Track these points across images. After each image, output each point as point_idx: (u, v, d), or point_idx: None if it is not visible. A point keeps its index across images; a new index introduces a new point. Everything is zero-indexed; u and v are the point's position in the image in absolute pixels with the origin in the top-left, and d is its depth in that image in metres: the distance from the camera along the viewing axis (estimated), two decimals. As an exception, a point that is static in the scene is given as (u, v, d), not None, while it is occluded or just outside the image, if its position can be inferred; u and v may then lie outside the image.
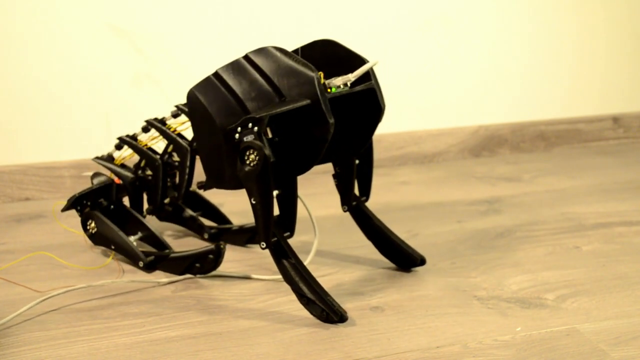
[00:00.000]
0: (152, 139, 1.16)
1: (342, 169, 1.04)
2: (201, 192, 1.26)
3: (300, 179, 0.95)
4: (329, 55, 0.96)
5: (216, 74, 0.92)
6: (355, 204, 1.06)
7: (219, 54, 1.46)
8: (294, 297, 0.93)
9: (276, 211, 0.92)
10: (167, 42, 1.59)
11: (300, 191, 0.95)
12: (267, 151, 0.86)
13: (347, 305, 0.95)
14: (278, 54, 0.90)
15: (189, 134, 1.06)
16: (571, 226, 1.26)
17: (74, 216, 1.21)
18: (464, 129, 1.83)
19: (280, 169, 0.90)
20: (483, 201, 1.44)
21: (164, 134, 1.13)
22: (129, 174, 1.16)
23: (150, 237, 1.14)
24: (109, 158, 1.19)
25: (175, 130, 1.13)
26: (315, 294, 0.91)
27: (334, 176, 1.05)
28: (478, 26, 1.80)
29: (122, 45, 1.56)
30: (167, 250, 1.12)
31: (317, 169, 0.98)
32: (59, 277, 1.09)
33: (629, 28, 1.92)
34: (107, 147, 1.42)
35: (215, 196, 1.28)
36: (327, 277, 1.06)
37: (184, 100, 1.08)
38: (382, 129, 1.54)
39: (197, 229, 1.25)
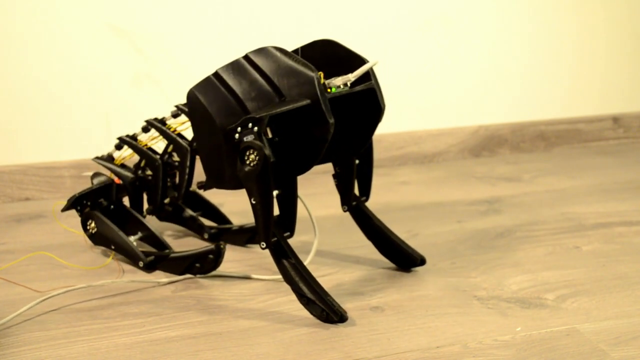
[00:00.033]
0: (152, 139, 1.16)
1: (342, 169, 1.04)
2: (201, 192, 1.26)
3: (300, 179, 0.95)
4: (329, 55, 0.96)
5: (216, 74, 0.92)
6: (355, 204, 1.06)
7: (219, 54, 1.46)
8: (294, 297, 0.93)
9: (276, 211, 0.92)
10: (167, 42, 1.59)
11: (300, 191, 0.95)
12: (267, 151, 0.86)
13: (347, 305, 0.95)
14: (278, 54, 0.90)
15: (189, 134, 1.06)
16: (571, 226, 1.26)
17: (74, 216, 1.21)
18: (464, 129, 1.83)
19: (280, 169, 0.90)
20: (483, 201, 1.44)
21: (164, 134, 1.13)
22: (129, 174, 1.16)
23: (150, 237, 1.14)
24: (109, 158, 1.19)
25: (175, 130, 1.13)
26: (315, 294, 0.91)
27: (334, 176, 1.05)
28: (478, 26, 1.80)
29: (122, 45, 1.56)
30: (167, 250, 1.12)
31: (317, 169, 0.98)
32: (59, 277, 1.09)
33: (629, 28, 1.92)
34: (107, 147, 1.42)
35: (215, 196, 1.28)
36: (327, 277, 1.06)
37: (184, 100, 1.08)
38: (382, 129, 1.54)
39: (197, 229, 1.25)
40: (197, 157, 1.09)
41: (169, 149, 1.14)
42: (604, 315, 0.92)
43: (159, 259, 1.10)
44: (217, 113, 0.91)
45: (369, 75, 0.96)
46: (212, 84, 0.91)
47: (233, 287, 1.04)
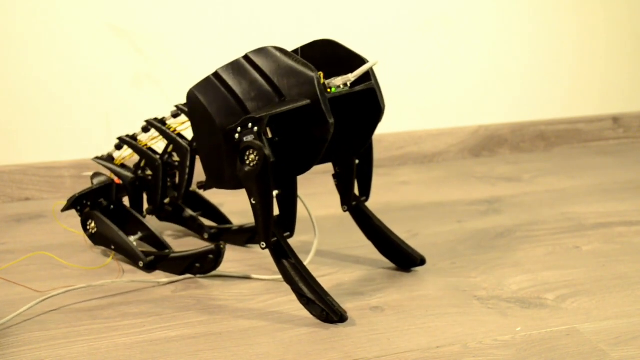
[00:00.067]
0: (152, 139, 1.16)
1: (342, 169, 1.04)
2: (201, 192, 1.26)
3: (300, 179, 0.95)
4: (329, 55, 0.96)
5: (216, 74, 0.92)
6: (355, 204, 1.06)
7: (219, 54, 1.46)
8: (294, 297, 0.93)
9: (276, 211, 0.92)
10: (167, 42, 1.59)
11: (300, 191, 0.95)
12: (267, 151, 0.86)
13: (347, 305, 0.95)
14: (278, 54, 0.90)
15: (189, 134, 1.06)
16: (571, 226, 1.26)
17: (74, 216, 1.21)
18: (464, 129, 1.83)
19: (280, 169, 0.90)
20: (483, 201, 1.44)
21: (164, 134, 1.13)
22: (129, 174, 1.16)
23: (150, 237, 1.14)
24: (109, 158, 1.19)
25: (175, 130, 1.13)
26: (315, 294, 0.91)
27: (334, 176, 1.05)
28: (478, 26, 1.80)
29: (122, 45, 1.56)
30: (167, 250, 1.12)
31: (317, 169, 0.98)
32: (59, 277, 1.09)
33: (629, 28, 1.92)
34: (107, 147, 1.42)
35: (215, 196, 1.28)
36: (327, 277, 1.06)
37: (184, 100, 1.08)
38: (382, 129, 1.54)
39: (197, 229, 1.25)
40: (197, 157, 1.09)
41: (169, 149, 1.14)
42: (604, 315, 0.92)
43: (159, 259, 1.10)
44: (217, 113, 0.91)
45: (369, 75, 0.96)
46: (212, 84, 0.92)
47: (233, 287, 1.04)
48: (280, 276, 0.94)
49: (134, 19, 1.56)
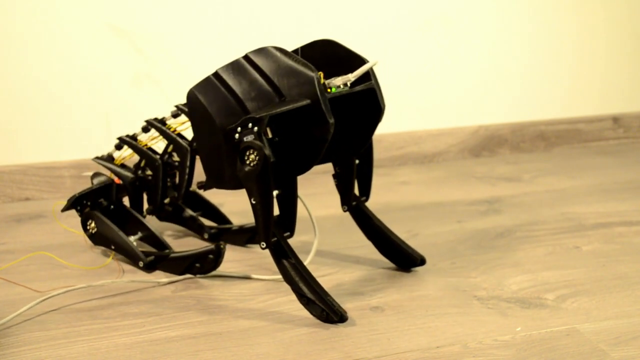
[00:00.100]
0: (152, 139, 1.16)
1: (342, 169, 1.04)
2: (201, 192, 1.26)
3: (300, 179, 0.95)
4: (329, 55, 0.96)
5: (216, 74, 0.92)
6: (355, 204, 1.06)
7: (219, 54, 1.46)
8: (294, 297, 0.93)
9: (276, 211, 0.92)
10: (167, 42, 1.59)
11: (300, 191, 0.95)
12: (267, 151, 0.86)
13: (347, 305, 0.95)
14: (278, 54, 0.90)
15: (189, 134, 1.06)
16: (571, 226, 1.26)
17: (74, 216, 1.21)
18: (464, 129, 1.83)
19: (280, 169, 0.90)
20: (483, 201, 1.44)
21: (164, 134, 1.13)
22: (129, 174, 1.16)
23: (150, 237, 1.14)
24: (109, 158, 1.19)
25: (175, 130, 1.13)
26: (315, 294, 0.91)
27: (334, 176, 1.05)
28: (478, 26, 1.80)
29: (122, 45, 1.56)
30: (167, 250, 1.12)
31: (317, 169, 0.98)
32: (59, 277, 1.09)
33: (629, 28, 1.92)
34: (107, 147, 1.42)
35: (215, 196, 1.28)
36: (327, 277, 1.06)
37: (184, 100, 1.08)
38: (382, 129, 1.54)
39: (197, 229, 1.25)
40: (197, 157, 1.09)
41: (169, 149, 1.14)
42: (604, 315, 0.92)
43: (159, 259, 1.10)
44: (217, 113, 0.91)
45: (369, 75, 0.96)
46: (212, 84, 0.92)
47: (233, 287, 1.04)
48: (280, 276, 0.94)
49: (134, 19, 1.56)
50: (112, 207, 1.17)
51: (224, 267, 1.07)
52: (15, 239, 1.29)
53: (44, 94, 1.54)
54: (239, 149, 0.87)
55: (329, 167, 1.06)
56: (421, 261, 1.06)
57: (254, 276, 1.07)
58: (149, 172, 1.17)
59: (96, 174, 1.18)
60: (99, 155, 1.31)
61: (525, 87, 1.87)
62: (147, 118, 1.16)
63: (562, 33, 1.87)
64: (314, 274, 0.94)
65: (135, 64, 1.58)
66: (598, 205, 1.38)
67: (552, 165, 1.73)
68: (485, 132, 1.84)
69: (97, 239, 1.14)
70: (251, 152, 0.86)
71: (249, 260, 1.14)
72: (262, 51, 0.91)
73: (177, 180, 1.16)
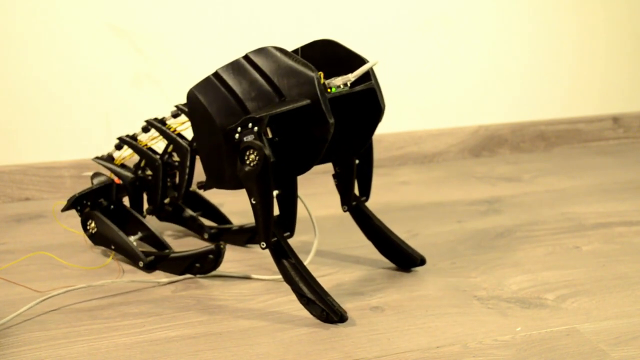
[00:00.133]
0: (152, 139, 1.16)
1: (342, 169, 1.04)
2: (201, 192, 1.26)
3: (300, 179, 0.95)
4: (329, 55, 0.96)
5: (216, 74, 0.92)
6: (355, 204, 1.06)
7: (219, 54, 1.46)
8: (294, 297, 0.93)
9: (276, 211, 0.92)
10: (167, 42, 1.59)
11: (300, 191, 0.95)
12: (267, 151, 0.86)
13: (347, 305, 0.95)
14: (278, 54, 0.90)
15: (189, 134, 1.06)
16: (571, 226, 1.26)
17: (74, 216, 1.21)
18: (464, 129, 1.83)
19: (280, 169, 0.90)
20: (483, 201, 1.44)
21: (164, 134, 1.13)
22: (129, 174, 1.16)
23: (150, 237, 1.14)
24: (109, 158, 1.19)
25: (175, 130, 1.13)
26: (315, 294, 0.91)
27: (334, 176, 1.05)
28: (478, 26, 1.80)
29: (122, 45, 1.56)
30: (167, 250, 1.12)
31: (317, 169, 0.98)
32: (59, 277, 1.09)
33: (629, 28, 1.92)
34: (107, 147, 1.42)
35: (215, 196, 1.28)
36: (327, 277, 1.06)
37: (184, 100, 1.08)
38: (382, 129, 1.54)
39: (197, 229, 1.25)
40: (197, 157, 1.09)
41: (169, 149, 1.14)
42: (604, 315, 0.92)
43: (159, 259, 1.10)
44: (217, 113, 0.91)
45: (369, 75, 0.96)
46: (212, 84, 0.92)
47: (233, 287, 1.04)
48: (280, 276, 0.94)
49: (134, 19, 1.56)
50: (112, 207, 1.17)
51: (224, 267, 1.07)
52: (15, 239, 1.29)
53: (44, 94, 1.54)
54: (239, 149, 0.87)
55: (329, 167, 1.06)
56: (421, 261, 1.06)
57: (254, 276, 1.07)
58: (149, 172, 1.17)
59: (96, 174, 1.18)
60: (99, 155, 1.31)
61: (525, 87, 1.87)
62: (147, 118, 1.16)
63: (562, 33, 1.87)
64: (314, 274, 0.94)
65: (135, 64, 1.58)
66: (598, 205, 1.38)
67: (552, 165, 1.73)
68: (485, 132, 1.84)
69: (97, 239, 1.14)
70: (251, 152, 0.86)
71: (249, 260, 1.14)
72: (262, 51, 0.91)
73: (177, 180, 1.16)
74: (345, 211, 1.06)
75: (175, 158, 1.15)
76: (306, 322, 0.91)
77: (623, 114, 1.96)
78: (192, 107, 0.93)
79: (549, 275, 1.05)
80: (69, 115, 1.56)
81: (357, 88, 0.95)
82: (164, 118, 1.15)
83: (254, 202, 0.88)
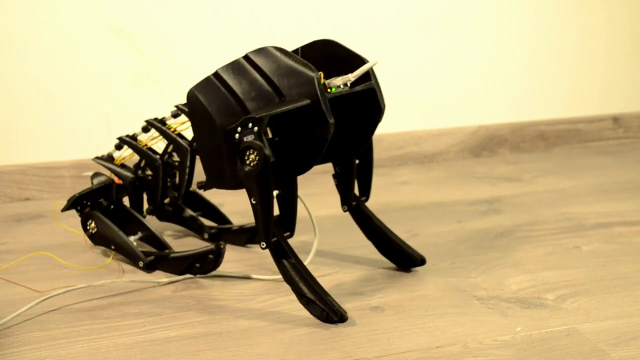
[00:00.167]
0: (152, 139, 1.16)
1: (342, 169, 1.04)
2: (201, 192, 1.26)
3: (300, 179, 0.95)
4: (329, 55, 0.96)
5: (216, 74, 0.92)
6: (355, 204, 1.06)
7: (219, 54, 1.46)
8: (294, 297, 0.93)
9: (276, 211, 0.92)
10: (167, 42, 1.59)
11: (300, 191, 0.95)
12: (267, 151, 0.86)
13: (347, 305, 0.95)
14: (278, 54, 0.90)
15: (189, 134, 1.06)
16: (571, 226, 1.26)
17: (74, 216, 1.21)
18: (464, 129, 1.83)
19: (280, 169, 0.90)
20: (483, 201, 1.44)
21: (164, 134, 1.13)
22: (129, 174, 1.16)
23: (150, 237, 1.14)
24: (109, 158, 1.19)
25: (175, 130, 1.13)
26: (315, 294, 0.91)
27: (334, 176, 1.05)
28: (478, 26, 1.80)
29: (122, 45, 1.56)
30: (167, 250, 1.12)
31: (317, 169, 0.98)
32: (59, 277, 1.09)
33: (629, 28, 1.92)
34: (107, 147, 1.42)
35: (215, 196, 1.28)
36: (327, 277, 1.06)
37: (184, 100, 1.08)
38: (382, 129, 1.54)
39: (197, 229, 1.25)
40: (197, 157, 1.09)
41: (169, 149, 1.14)
42: (604, 315, 0.92)
43: (159, 259, 1.10)
44: (217, 113, 0.91)
45: (369, 75, 0.96)
46: (212, 84, 0.92)
47: (233, 287, 1.04)
48: (280, 276, 0.94)
49: (134, 19, 1.56)
50: (112, 207, 1.17)
51: (224, 267, 1.07)
52: (15, 239, 1.29)
53: (44, 94, 1.54)
54: (239, 149, 0.87)
55: (329, 167, 1.06)
56: (421, 261, 1.06)
57: (254, 276, 1.07)
58: (149, 172, 1.17)
59: (96, 174, 1.18)
60: (99, 155, 1.31)
61: (525, 87, 1.87)
62: (147, 118, 1.16)
63: (562, 33, 1.87)
64: (314, 274, 0.94)
65: (135, 64, 1.58)
66: (598, 205, 1.38)
67: (552, 165, 1.73)
68: (485, 132, 1.84)
69: (97, 239, 1.14)
70: (251, 152, 0.86)
71: (249, 260, 1.14)
72: (262, 51, 0.91)
73: (177, 180, 1.16)
74: (345, 211, 1.06)
75: (175, 158, 1.15)
76: (306, 322, 0.91)
77: (623, 114, 1.96)
78: (192, 107, 0.93)
79: (549, 275, 1.05)
80: (69, 115, 1.56)
81: (357, 88, 0.95)
82: (164, 118, 1.15)
83: (254, 202, 0.88)
